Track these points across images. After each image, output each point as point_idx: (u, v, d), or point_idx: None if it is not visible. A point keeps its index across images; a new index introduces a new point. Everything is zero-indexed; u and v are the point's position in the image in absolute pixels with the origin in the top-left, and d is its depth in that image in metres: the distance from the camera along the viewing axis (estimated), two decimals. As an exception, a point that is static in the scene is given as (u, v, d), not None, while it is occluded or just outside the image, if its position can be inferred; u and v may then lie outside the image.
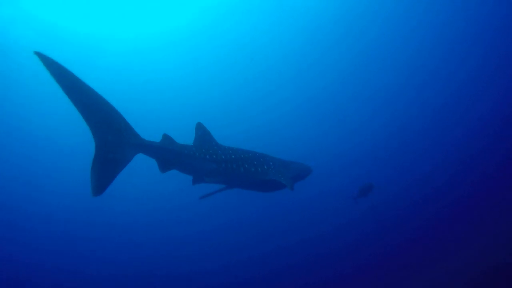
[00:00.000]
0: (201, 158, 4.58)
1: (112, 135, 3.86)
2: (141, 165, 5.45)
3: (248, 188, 5.21)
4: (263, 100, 27.47)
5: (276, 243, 15.49)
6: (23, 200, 20.46)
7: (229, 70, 26.07)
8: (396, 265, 12.41)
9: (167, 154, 4.39)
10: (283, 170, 5.07)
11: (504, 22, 21.69)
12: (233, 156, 4.81)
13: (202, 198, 5.31)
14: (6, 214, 18.95)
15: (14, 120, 23.73)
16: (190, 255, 15.45)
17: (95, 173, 3.69)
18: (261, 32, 23.65)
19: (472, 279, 9.67)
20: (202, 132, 4.95)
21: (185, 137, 5.10)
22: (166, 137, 4.46)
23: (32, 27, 20.13)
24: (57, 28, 21.04)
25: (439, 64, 25.54)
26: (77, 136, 24.46)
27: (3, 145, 23.29)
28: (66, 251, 16.20)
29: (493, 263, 9.65)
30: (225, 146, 5.03)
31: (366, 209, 16.61)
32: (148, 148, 4.22)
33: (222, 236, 16.74)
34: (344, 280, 12.62)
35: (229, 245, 15.95)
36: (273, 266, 13.98)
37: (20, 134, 23.95)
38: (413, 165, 21.54)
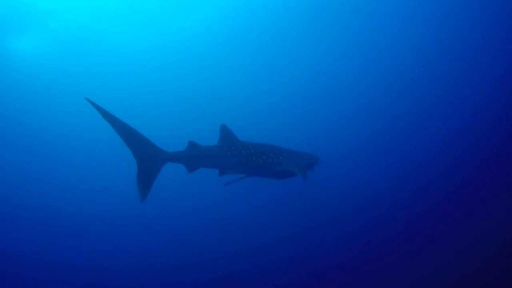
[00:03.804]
0: (223, 156, 5.47)
1: (145, 155, 5.04)
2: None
3: (265, 176, 6.00)
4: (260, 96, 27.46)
5: (257, 239, 15.43)
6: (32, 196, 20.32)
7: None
8: (380, 264, 12.38)
9: (191, 159, 5.37)
10: (296, 160, 5.76)
11: (500, 19, 21.86)
12: (252, 150, 5.62)
13: (226, 184, 6.04)
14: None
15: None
16: (190, 246, 15.49)
17: (140, 185, 4.91)
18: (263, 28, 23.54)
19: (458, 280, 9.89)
20: (225, 132, 5.89)
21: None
22: (190, 143, 5.43)
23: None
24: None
25: (431, 60, 25.67)
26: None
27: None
28: (74, 246, 16.12)
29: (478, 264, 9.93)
30: (246, 142, 5.85)
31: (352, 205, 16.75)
32: (174, 159, 5.30)
33: (213, 230, 16.72)
34: (324, 279, 12.69)
35: (219, 239, 15.89)
36: (250, 264, 13.97)
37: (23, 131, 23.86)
38: (400, 163, 21.57)
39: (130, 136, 4.99)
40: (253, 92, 26.87)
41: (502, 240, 10.91)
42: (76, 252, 15.64)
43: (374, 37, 24.86)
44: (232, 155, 5.46)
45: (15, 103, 22.79)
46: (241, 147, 5.63)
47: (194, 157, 5.33)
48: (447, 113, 24.20)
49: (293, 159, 5.71)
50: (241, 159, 5.48)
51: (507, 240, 10.95)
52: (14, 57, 21.54)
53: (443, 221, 14.47)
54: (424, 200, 16.60)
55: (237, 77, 26.60)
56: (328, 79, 27.19)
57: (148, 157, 5.06)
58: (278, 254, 14.21)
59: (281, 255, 14.13)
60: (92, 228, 17.32)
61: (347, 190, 18.46)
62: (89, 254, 15.36)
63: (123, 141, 5.00)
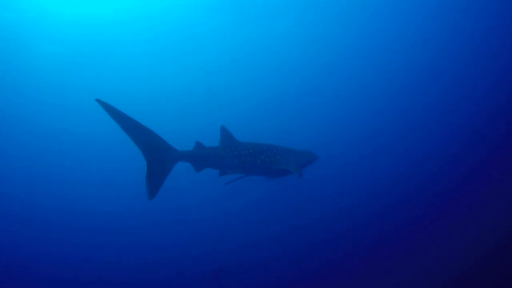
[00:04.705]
0: (226, 156, 5.66)
1: (156, 154, 5.02)
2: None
3: (263, 175, 6.16)
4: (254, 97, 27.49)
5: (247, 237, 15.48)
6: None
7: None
8: (376, 262, 12.35)
9: (200, 158, 5.54)
10: (294, 158, 5.93)
11: (497, 19, 21.88)
12: (251, 151, 5.81)
13: (227, 184, 6.20)
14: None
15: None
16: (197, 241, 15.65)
17: (149, 183, 4.86)
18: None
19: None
20: (225, 134, 6.10)
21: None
22: (197, 144, 5.57)
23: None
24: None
25: (429, 59, 25.69)
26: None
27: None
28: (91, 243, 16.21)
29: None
30: (244, 143, 6.03)
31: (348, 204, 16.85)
32: (185, 157, 5.41)
33: (212, 228, 16.81)
34: (320, 277, 12.68)
35: (215, 238, 15.98)
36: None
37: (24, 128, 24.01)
38: (396, 162, 21.53)
39: (140, 134, 4.87)
40: (252, 92, 27.00)
41: (500, 240, 10.95)
42: (76, 248, 15.77)
43: (373, 35, 24.86)
44: (233, 156, 5.67)
45: None
46: (240, 148, 5.82)
47: (201, 156, 5.53)
48: (445, 112, 24.29)
49: (290, 158, 5.88)
50: (241, 159, 5.68)
51: (505, 240, 10.99)
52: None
53: (438, 220, 14.52)
54: (420, 200, 16.61)
55: (236, 76, 26.70)
56: (327, 78, 27.29)
57: (159, 155, 5.03)
58: (273, 252, 14.28)
59: (277, 252, 14.19)
60: (94, 224, 17.46)
61: (344, 189, 18.53)
62: (89, 251, 15.46)
63: (132, 139, 4.87)
